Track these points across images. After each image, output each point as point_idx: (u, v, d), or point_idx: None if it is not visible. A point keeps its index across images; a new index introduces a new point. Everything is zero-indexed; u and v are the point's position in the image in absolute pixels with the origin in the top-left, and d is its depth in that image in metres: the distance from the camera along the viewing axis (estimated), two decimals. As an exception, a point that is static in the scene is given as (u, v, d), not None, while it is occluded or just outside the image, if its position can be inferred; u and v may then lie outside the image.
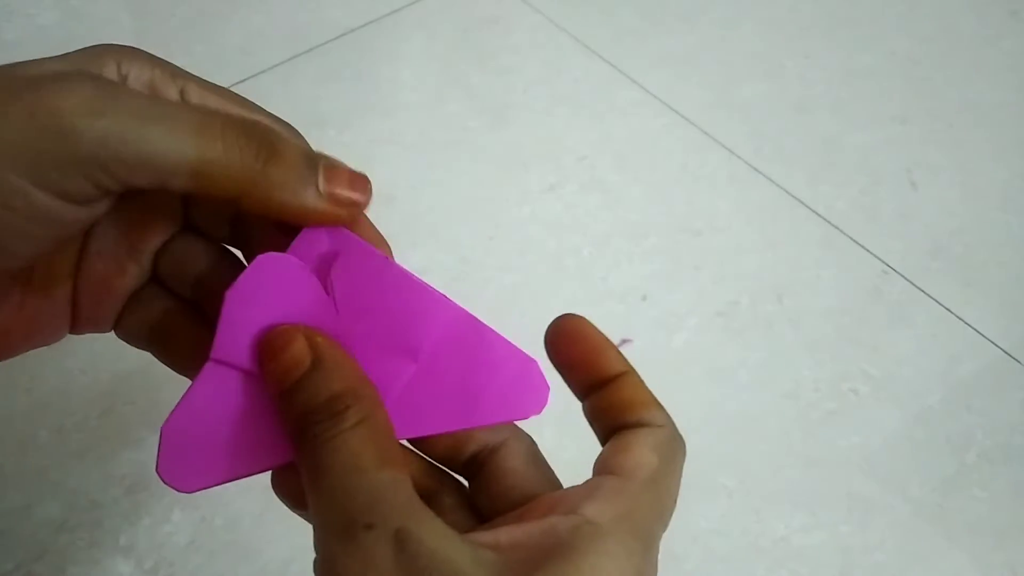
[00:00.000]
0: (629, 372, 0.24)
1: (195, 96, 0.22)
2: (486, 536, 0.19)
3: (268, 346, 0.21)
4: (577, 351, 0.24)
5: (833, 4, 0.79)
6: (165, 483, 0.22)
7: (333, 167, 0.21)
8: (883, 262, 0.60)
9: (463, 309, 0.23)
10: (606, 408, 0.24)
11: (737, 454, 0.50)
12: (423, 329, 0.22)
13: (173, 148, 0.18)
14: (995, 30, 0.77)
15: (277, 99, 0.68)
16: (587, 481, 0.22)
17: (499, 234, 0.60)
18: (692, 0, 0.79)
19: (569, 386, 0.24)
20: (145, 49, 0.22)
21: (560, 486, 0.23)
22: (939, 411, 0.53)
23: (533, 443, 0.24)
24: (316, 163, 0.21)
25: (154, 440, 0.49)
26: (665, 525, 0.22)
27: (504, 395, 0.23)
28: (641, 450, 0.22)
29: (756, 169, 0.65)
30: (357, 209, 0.22)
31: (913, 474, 0.50)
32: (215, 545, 0.45)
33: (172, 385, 0.53)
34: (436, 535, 0.18)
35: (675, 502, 0.23)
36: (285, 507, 0.24)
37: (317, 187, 0.21)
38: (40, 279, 0.22)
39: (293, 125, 0.24)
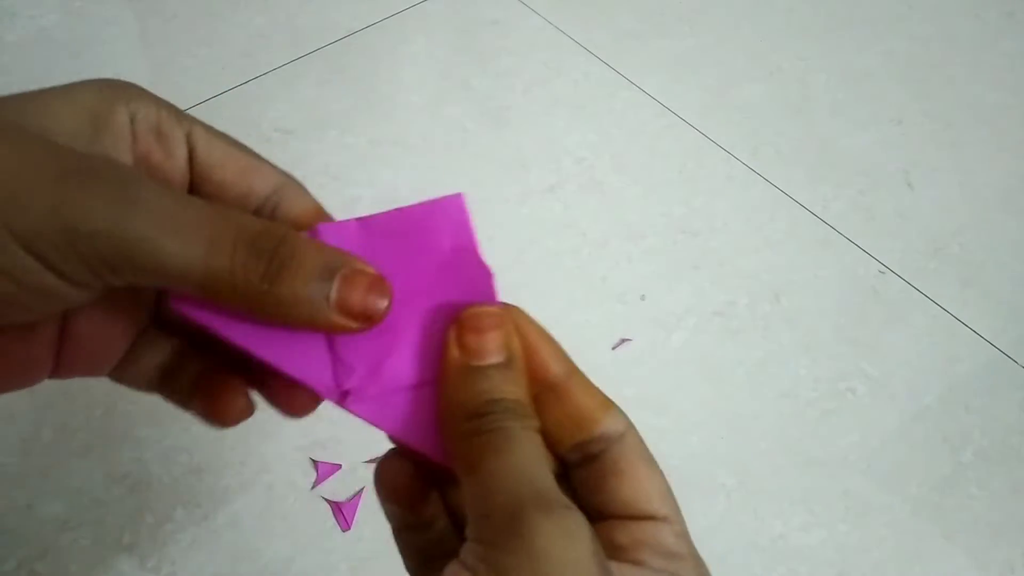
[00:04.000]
0: (572, 373, 0.23)
1: (201, 141, 0.22)
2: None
3: (472, 318, 0.21)
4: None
5: (831, 6, 0.80)
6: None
7: (350, 277, 0.20)
8: (880, 262, 0.60)
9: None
10: (560, 420, 0.22)
11: (736, 453, 0.51)
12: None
13: (183, 262, 0.18)
14: (992, 32, 0.78)
15: (279, 100, 0.68)
16: (661, 528, 0.22)
17: (499, 234, 0.60)
18: (690, 3, 0.79)
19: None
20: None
21: (668, 495, 0.22)
22: (936, 410, 0.53)
23: (640, 436, 0.23)
24: (333, 274, 0.20)
25: (155, 439, 0.49)
26: None
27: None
28: (658, 482, 0.22)
29: (754, 170, 0.66)
30: (373, 322, 0.21)
31: (911, 473, 0.50)
32: (217, 543, 0.46)
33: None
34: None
35: None
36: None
37: (328, 302, 0.20)
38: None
39: (300, 180, 0.24)
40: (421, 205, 0.22)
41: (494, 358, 0.21)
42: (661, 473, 0.22)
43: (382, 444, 0.23)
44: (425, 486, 0.23)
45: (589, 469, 0.22)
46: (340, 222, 0.22)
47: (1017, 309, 0.58)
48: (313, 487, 0.47)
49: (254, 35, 0.74)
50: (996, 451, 0.51)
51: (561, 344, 0.23)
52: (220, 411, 0.23)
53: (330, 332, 0.21)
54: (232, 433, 0.50)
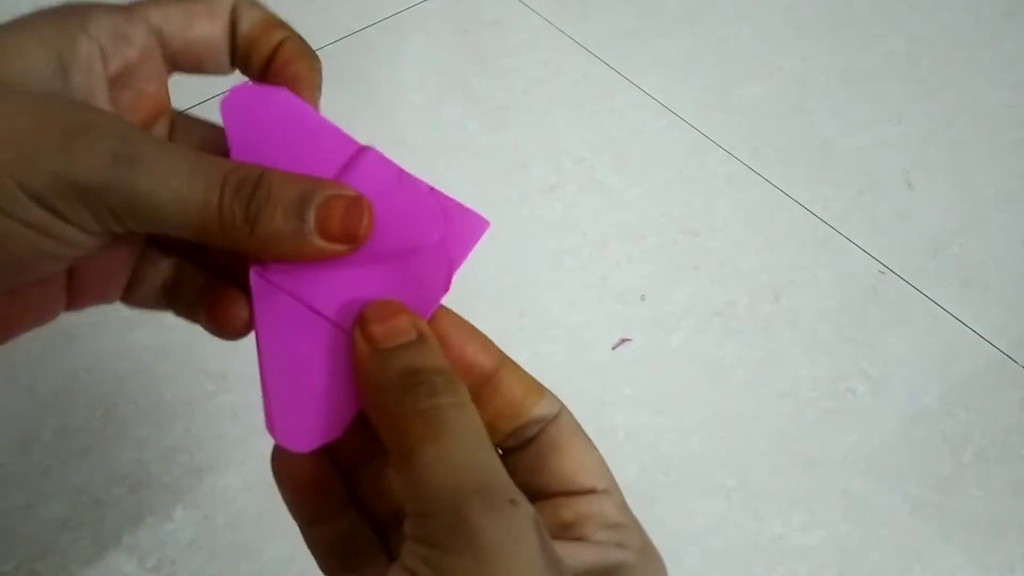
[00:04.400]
0: (502, 362, 0.22)
1: (163, 24, 0.23)
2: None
3: (374, 310, 0.21)
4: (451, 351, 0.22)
5: (831, 6, 0.80)
6: (282, 446, 0.21)
7: (328, 202, 0.21)
8: (880, 262, 0.60)
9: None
10: (498, 411, 0.22)
11: (736, 453, 0.51)
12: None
13: (180, 212, 0.20)
14: (992, 32, 0.78)
15: (278, 101, 0.68)
16: (600, 501, 0.22)
17: (499, 234, 0.60)
18: (690, 2, 0.79)
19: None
20: None
21: (604, 468, 0.22)
22: (936, 410, 0.53)
23: (574, 418, 0.23)
24: (308, 206, 0.20)
25: (155, 439, 0.49)
26: None
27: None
28: (594, 456, 0.22)
29: (754, 170, 0.66)
30: (356, 243, 0.21)
31: (910, 473, 0.50)
32: (217, 543, 0.46)
33: (174, 385, 0.54)
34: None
35: None
36: (286, 507, 0.24)
37: (305, 233, 0.20)
38: None
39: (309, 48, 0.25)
40: (453, 202, 0.22)
41: (403, 338, 0.20)
42: (596, 449, 0.22)
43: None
44: (329, 470, 0.22)
45: (526, 452, 0.22)
46: (388, 166, 0.23)
47: (1017, 309, 0.58)
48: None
49: (254, 35, 0.74)
50: (996, 451, 0.52)
51: (487, 335, 0.22)
52: (223, 321, 0.23)
53: (320, 258, 0.21)
54: (233, 433, 0.50)
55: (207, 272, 0.25)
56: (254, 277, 0.21)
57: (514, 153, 0.66)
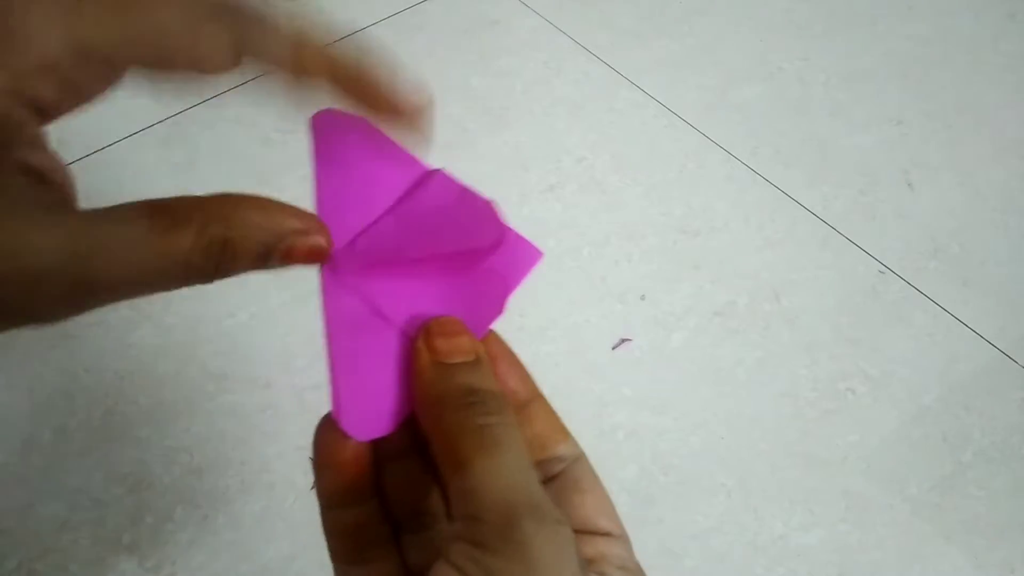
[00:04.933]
0: (535, 398, 0.23)
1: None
2: None
3: (440, 325, 0.22)
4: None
5: (831, 6, 0.80)
6: (347, 433, 0.22)
7: (288, 254, 0.21)
8: (880, 262, 0.60)
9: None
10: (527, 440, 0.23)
11: (736, 453, 0.51)
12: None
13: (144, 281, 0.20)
14: (992, 32, 0.78)
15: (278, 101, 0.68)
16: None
17: (499, 235, 0.60)
18: (690, 2, 0.79)
19: None
20: None
21: (616, 514, 0.23)
22: (936, 410, 0.53)
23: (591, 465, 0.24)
24: (272, 254, 0.21)
25: (155, 439, 0.49)
26: None
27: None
28: (610, 502, 0.23)
29: (754, 170, 0.66)
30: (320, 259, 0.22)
31: (911, 473, 0.50)
32: (217, 543, 0.46)
33: (174, 385, 0.54)
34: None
35: None
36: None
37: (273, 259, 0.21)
38: None
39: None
40: (511, 229, 0.24)
41: (464, 357, 0.22)
42: (609, 497, 0.23)
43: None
44: (369, 461, 0.23)
45: (548, 487, 0.23)
46: (453, 183, 0.24)
47: (1017, 309, 0.58)
48: (313, 487, 0.47)
49: (254, 35, 0.74)
50: (996, 451, 0.52)
51: (528, 370, 0.24)
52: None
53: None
54: (232, 433, 0.50)
55: None
56: (326, 274, 0.23)
57: (514, 153, 0.66)
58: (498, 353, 0.23)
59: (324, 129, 0.24)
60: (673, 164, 0.66)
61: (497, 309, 0.23)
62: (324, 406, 0.22)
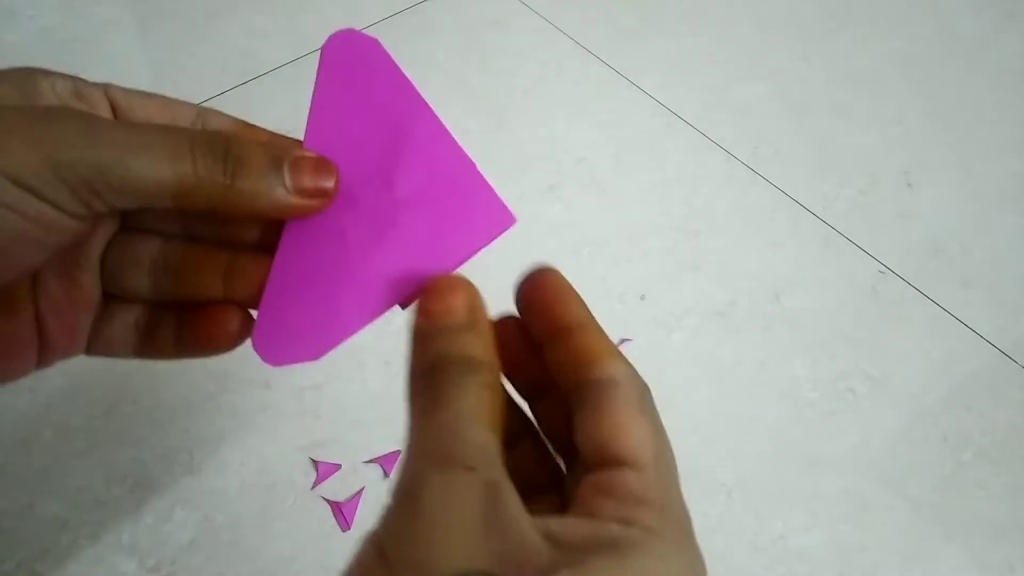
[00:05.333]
0: (588, 323, 0.23)
1: (119, 94, 0.24)
2: (541, 523, 0.19)
3: (435, 287, 0.23)
4: (539, 296, 0.23)
5: (831, 6, 0.80)
6: (258, 354, 0.23)
7: (298, 161, 0.22)
8: (880, 263, 0.60)
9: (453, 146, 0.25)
10: (565, 359, 0.22)
11: (736, 453, 0.51)
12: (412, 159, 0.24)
13: (153, 175, 0.20)
14: (993, 31, 0.78)
15: (279, 101, 0.68)
16: (610, 477, 0.20)
17: (499, 235, 0.60)
18: (691, 2, 0.79)
19: (532, 334, 0.24)
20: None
21: (650, 443, 0.21)
22: (937, 411, 0.53)
23: (643, 390, 0.22)
24: (281, 161, 0.22)
25: (155, 439, 0.49)
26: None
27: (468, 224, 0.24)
28: (636, 428, 0.20)
29: (754, 170, 0.66)
30: (327, 198, 0.23)
31: (911, 473, 0.50)
32: (217, 544, 0.46)
33: (174, 385, 0.54)
34: (518, 506, 0.18)
35: (673, 452, 0.22)
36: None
37: (285, 186, 0.22)
38: (2, 303, 0.23)
39: (256, 123, 0.26)
40: (490, 188, 0.25)
41: (453, 318, 0.22)
42: (652, 423, 0.21)
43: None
44: (507, 397, 0.23)
45: (581, 413, 0.21)
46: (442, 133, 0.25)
47: (1018, 309, 0.58)
48: (313, 487, 0.47)
49: (254, 35, 0.74)
50: (997, 451, 0.51)
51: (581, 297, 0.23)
52: (215, 329, 0.25)
53: (294, 214, 0.23)
54: (232, 433, 0.49)
55: (182, 306, 0.25)
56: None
57: (514, 153, 0.66)
58: (563, 288, 0.23)
59: (335, 51, 0.24)
60: (673, 164, 0.66)
61: (455, 261, 0.24)
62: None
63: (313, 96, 0.23)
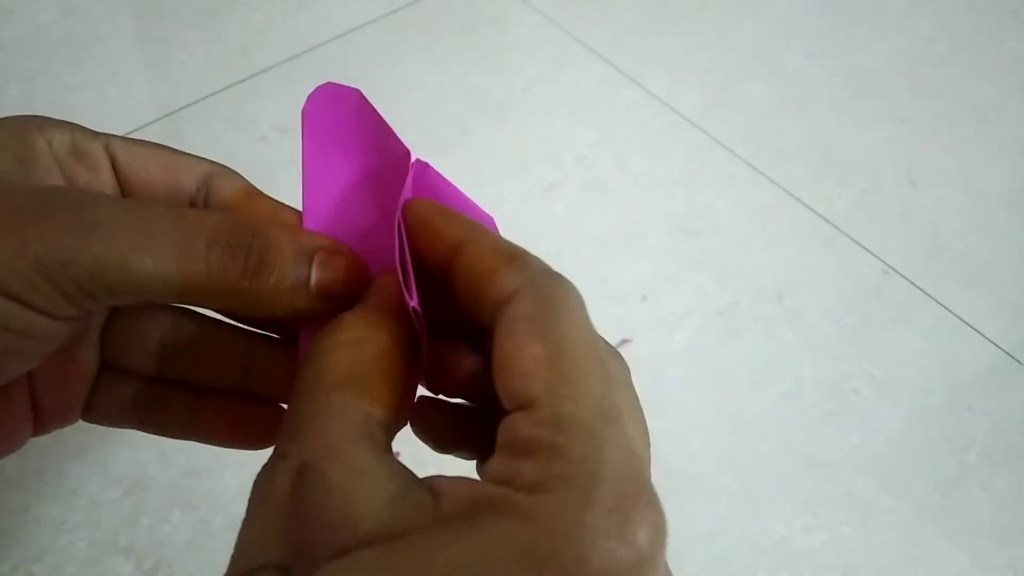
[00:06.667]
0: (474, 239, 0.19)
1: (120, 149, 0.21)
2: (431, 480, 0.17)
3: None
4: (412, 238, 0.20)
5: (834, 4, 0.79)
6: None
7: (327, 261, 0.20)
8: (884, 262, 0.60)
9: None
10: (464, 290, 0.19)
11: (738, 455, 0.50)
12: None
13: (157, 275, 0.18)
14: (996, 30, 0.77)
15: (277, 99, 0.68)
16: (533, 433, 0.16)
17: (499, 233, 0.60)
18: (692, 0, 0.79)
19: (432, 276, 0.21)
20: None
21: (547, 368, 0.16)
22: (940, 411, 0.53)
23: (546, 299, 0.18)
24: (308, 260, 0.20)
25: (152, 441, 0.49)
26: (616, 404, 0.17)
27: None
28: (521, 358, 0.16)
29: (756, 169, 0.65)
30: (352, 302, 0.20)
31: (914, 474, 0.50)
32: (215, 545, 0.45)
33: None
34: (348, 471, 0.16)
35: (620, 370, 0.19)
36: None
37: (309, 289, 0.20)
38: None
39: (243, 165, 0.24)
40: (467, 198, 0.24)
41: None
42: (551, 341, 0.17)
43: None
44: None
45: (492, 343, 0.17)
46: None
47: (1022, 309, 0.58)
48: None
49: (251, 33, 0.73)
50: (1000, 452, 0.51)
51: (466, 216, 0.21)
52: (240, 435, 0.24)
53: (309, 315, 0.21)
54: (230, 434, 0.49)
55: (181, 392, 0.24)
56: None
57: (514, 152, 0.65)
58: (428, 214, 0.20)
59: (318, 107, 0.23)
60: (675, 163, 0.65)
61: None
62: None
63: (303, 164, 0.22)
